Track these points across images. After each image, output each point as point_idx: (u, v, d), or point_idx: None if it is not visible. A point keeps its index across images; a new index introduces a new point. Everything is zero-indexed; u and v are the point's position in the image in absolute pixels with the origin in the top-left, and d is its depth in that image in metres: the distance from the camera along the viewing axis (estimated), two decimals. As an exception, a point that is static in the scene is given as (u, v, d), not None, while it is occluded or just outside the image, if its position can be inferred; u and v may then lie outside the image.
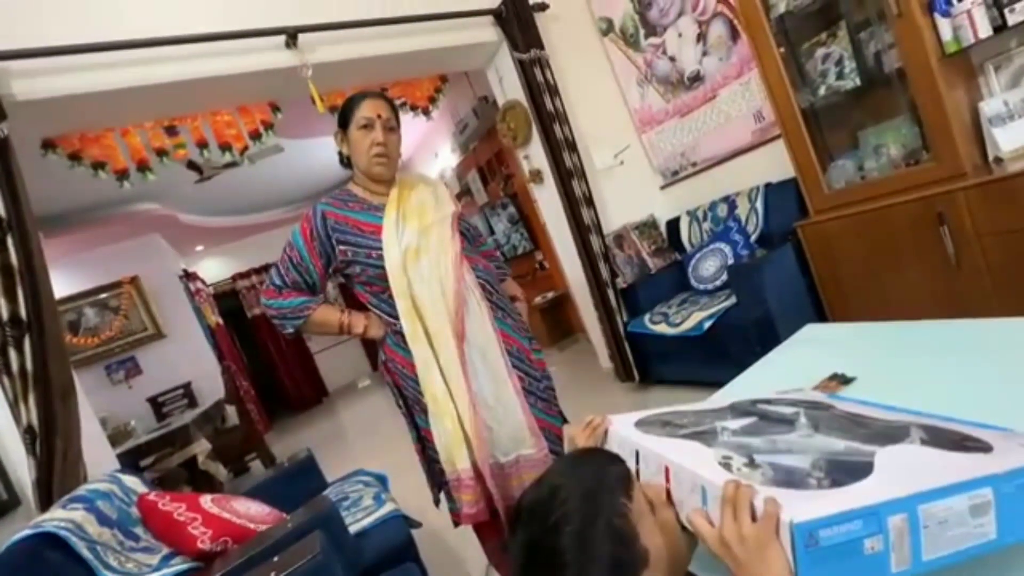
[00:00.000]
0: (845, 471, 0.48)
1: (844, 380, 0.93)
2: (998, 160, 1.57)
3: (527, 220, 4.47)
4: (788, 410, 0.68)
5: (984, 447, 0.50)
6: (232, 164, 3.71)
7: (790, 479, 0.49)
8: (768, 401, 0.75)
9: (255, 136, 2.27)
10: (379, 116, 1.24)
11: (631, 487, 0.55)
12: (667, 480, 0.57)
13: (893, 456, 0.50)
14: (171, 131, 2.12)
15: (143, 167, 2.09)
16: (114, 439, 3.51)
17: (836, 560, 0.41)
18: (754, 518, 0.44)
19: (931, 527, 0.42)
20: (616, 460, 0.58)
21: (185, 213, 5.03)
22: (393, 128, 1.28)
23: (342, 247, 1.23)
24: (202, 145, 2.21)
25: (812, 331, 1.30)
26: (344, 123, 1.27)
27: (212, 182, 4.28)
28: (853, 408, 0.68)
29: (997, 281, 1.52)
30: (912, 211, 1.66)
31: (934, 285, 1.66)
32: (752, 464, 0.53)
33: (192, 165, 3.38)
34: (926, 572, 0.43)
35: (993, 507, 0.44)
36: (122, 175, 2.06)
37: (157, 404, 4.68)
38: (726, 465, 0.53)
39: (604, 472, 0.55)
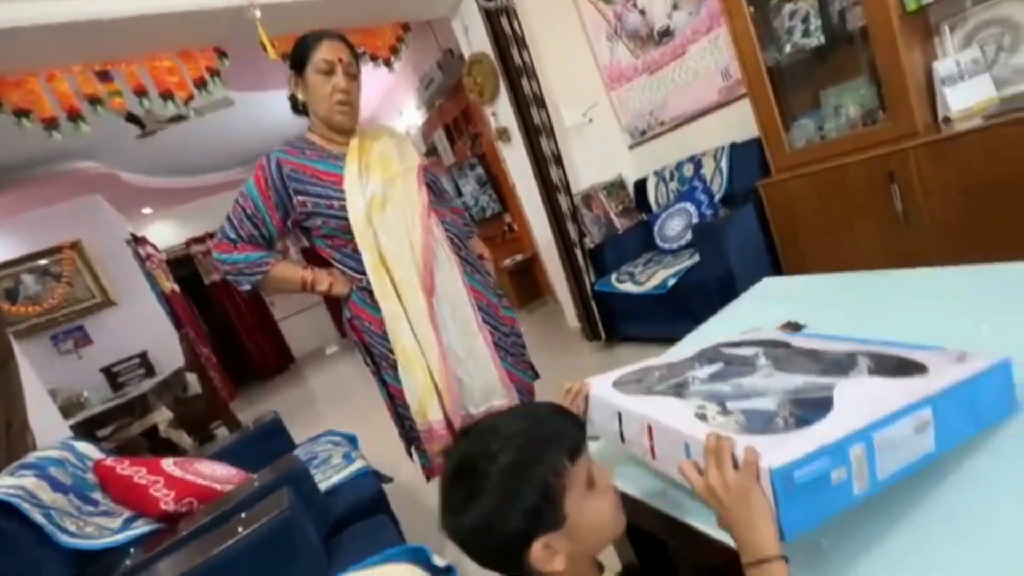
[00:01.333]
0: (807, 407, 0.52)
1: (796, 327, 0.98)
2: (947, 120, 1.63)
3: (496, 181, 4.40)
4: (749, 351, 0.72)
5: (921, 369, 0.55)
6: (178, 118, 3.45)
7: (761, 422, 0.53)
8: (731, 344, 0.78)
9: (200, 85, 2.09)
10: (340, 60, 1.16)
11: (578, 455, 0.55)
12: (650, 438, 0.60)
13: (847, 389, 0.54)
14: (104, 76, 1.92)
15: (74, 116, 1.90)
16: (66, 411, 3.38)
17: (809, 494, 0.45)
18: (736, 466, 0.48)
19: (883, 450, 0.47)
20: (579, 426, 0.59)
21: (128, 172, 4.69)
22: (354, 75, 1.20)
23: (300, 197, 1.17)
24: (141, 93, 2.02)
25: (768, 284, 1.35)
26: (299, 65, 1.17)
27: (156, 138, 3.98)
28: (807, 343, 0.72)
29: (940, 236, 1.61)
30: (866, 170, 1.71)
31: (883, 241, 1.74)
32: (725, 411, 0.57)
33: (132, 118, 3.12)
34: (881, 490, 0.48)
35: (932, 424, 0.49)
36: (50, 125, 1.86)
37: (112, 374, 4.49)
38: (702, 416, 0.57)
39: (558, 429, 0.57)
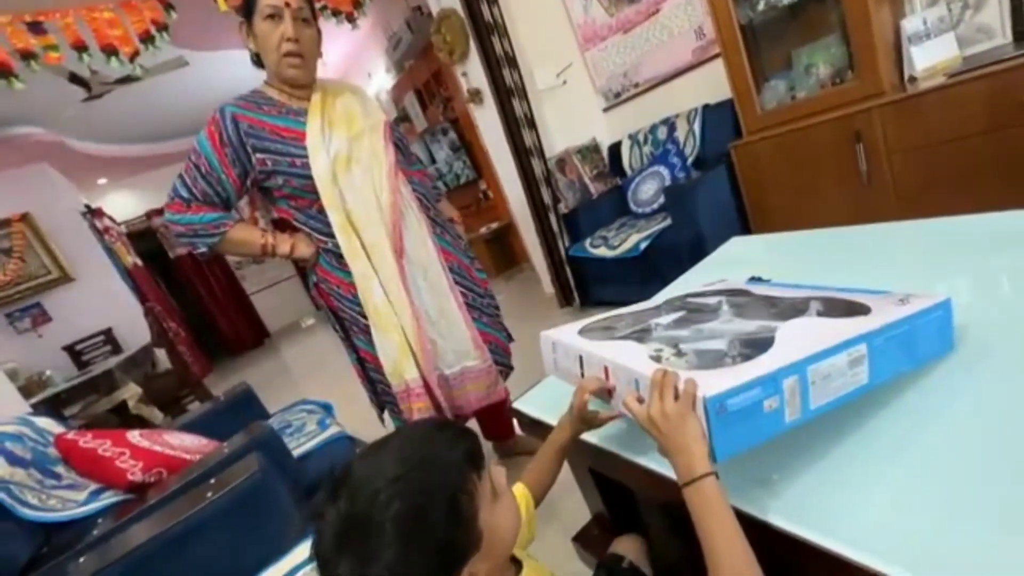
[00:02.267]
0: (754, 346, 0.55)
1: (760, 281, 1.00)
2: (912, 79, 1.65)
3: (470, 147, 4.30)
4: (713, 300, 0.75)
5: (864, 310, 0.58)
6: (127, 79, 3.23)
7: (710, 360, 0.55)
8: (697, 295, 0.81)
9: (146, 39, 1.94)
10: (288, 4, 1.07)
11: (482, 465, 0.51)
12: (607, 377, 0.63)
13: (791, 329, 0.57)
14: (36, 28, 1.76)
15: (5, 72, 1.74)
16: (28, 390, 3.27)
17: (741, 421, 0.48)
18: (677, 398, 0.50)
19: (817, 382, 0.50)
20: (468, 435, 0.53)
21: (76, 139, 4.41)
22: (307, 20, 1.12)
23: (260, 155, 1.11)
24: (80, 48, 1.86)
25: (735, 244, 1.37)
26: (247, 13, 1.09)
27: (106, 102, 3.72)
28: (766, 291, 0.75)
29: (902, 194, 1.65)
30: (833, 130, 1.73)
31: (848, 200, 1.78)
32: (679, 353, 0.59)
33: (76, 79, 2.90)
34: (814, 417, 0.52)
35: (866, 359, 0.52)
36: (-21, 82, 1.72)
37: (75, 352, 4.34)
38: (656, 357, 0.59)
39: (455, 443, 0.50)
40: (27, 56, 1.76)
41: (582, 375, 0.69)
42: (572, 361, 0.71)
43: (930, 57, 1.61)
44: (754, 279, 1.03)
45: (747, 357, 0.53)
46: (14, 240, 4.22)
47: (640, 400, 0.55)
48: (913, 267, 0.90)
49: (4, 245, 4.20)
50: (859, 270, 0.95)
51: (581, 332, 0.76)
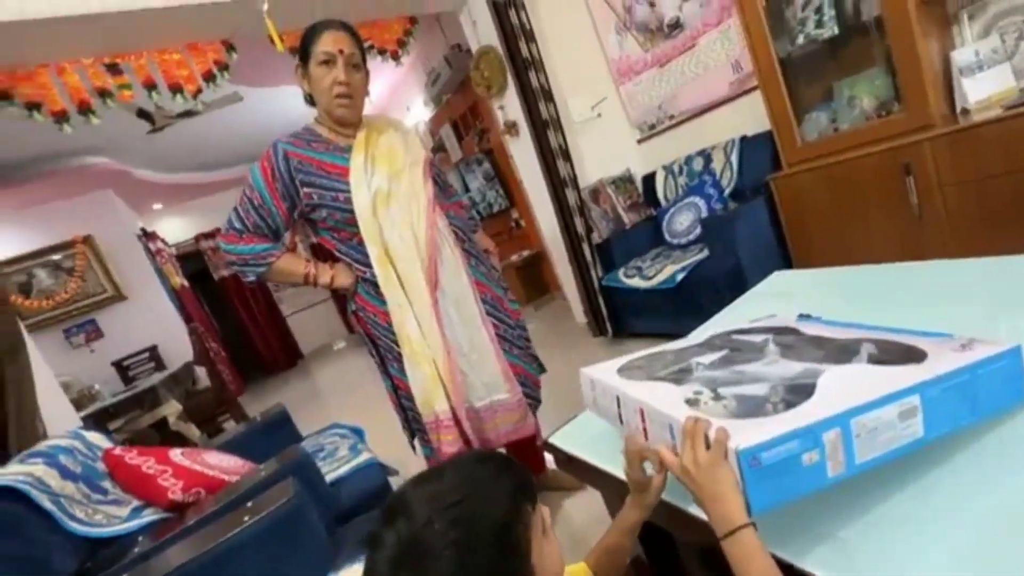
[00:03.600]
0: (798, 393, 0.52)
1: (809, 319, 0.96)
2: (964, 111, 1.60)
3: (503, 177, 4.38)
4: (759, 339, 0.72)
5: (919, 356, 0.54)
6: (187, 113, 3.47)
7: (750, 407, 0.53)
8: (743, 331, 0.78)
9: (208, 78, 2.10)
10: (341, 51, 1.15)
11: (535, 499, 0.51)
12: (643, 420, 0.61)
13: (835, 376, 0.54)
14: (113, 69, 1.93)
15: (85, 109, 1.91)
16: (79, 403, 3.42)
17: (778, 474, 0.46)
18: (709, 447, 0.49)
19: (863, 436, 0.47)
20: (522, 468, 0.53)
21: (138, 168, 4.74)
22: (358, 65, 1.20)
23: (307, 189, 1.17)
24: (150, 86, 2.03)
25: (779, 278, 1.33)
26: (304, 57, 1.17)
27: (166, 134, 4.00)
28: (816, 330, 0.72)
29: (957, 230, 1.57)
30: (880, 162, 1.68)
31: (897, 235, 1.71)
32: (717, 396, 0.57)
33: (143, 113, 3.14)
34: (860, 473, 0.48)
35: (920, 411, 0.49)
36: (61, 117, 1.88)
37: (123, 368, 4.54)
38: (694, 401, 0.57)
39: (510, 475, 0.50)
40: (104, 94, 1.93)
41: (620, 416, 0.68)
42: (610, 400, 0.70)
43: (984, 89, 1.56)
44: (804, 316, 0.99)
45: (790, 404, 0.51)
46: (76, 260, 4.52)
47: (674, 450, 0.53)
48: (976, 308, 0.84)
49: (67, 264, 4.50)
50: (915, 310, 0.90)
51: (621, 370, 0.74)
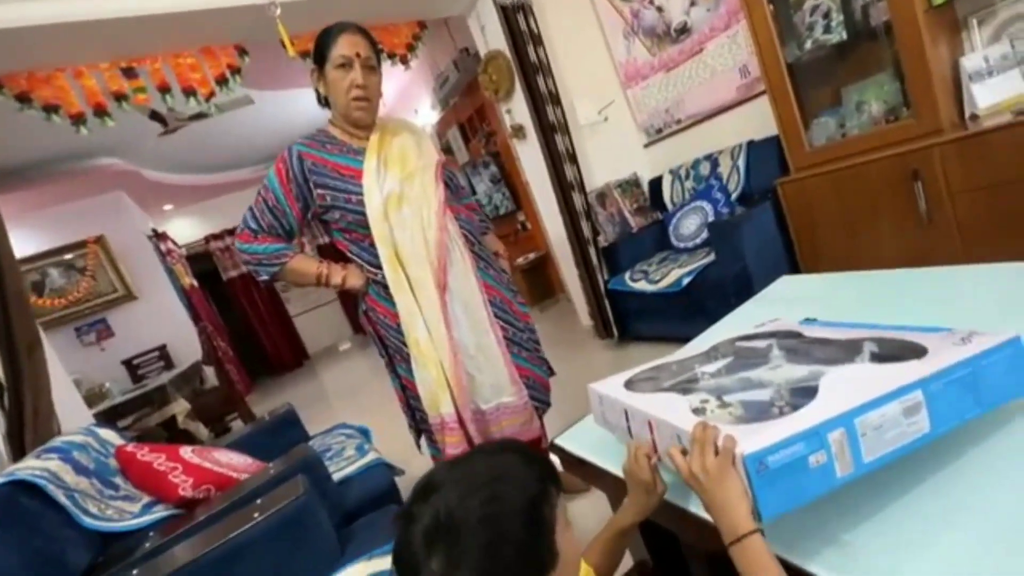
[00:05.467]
0: (803, 396, 0.53)
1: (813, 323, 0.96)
2: (974, 117, 1.59)
3: (509, 180, 4.40)
4: (763, 344, 0.72)
5: (921, 352, 0.55)
6: (199, 116, 3.52)
7: (756, 412, 0.54)
8: (747, 337, 0.79)
9: (221, 82, 2.13)
10: (358, 55, 1.17)
11: (560, 485, 0.53)
12: (651, 432, 0.62)
13: (837, 377, 0.55)
14: (129, 73, 1.97)
15: (100, 112, 1.95)
16: (89, 400, 3.47)
17: (786, 478, 0.46)
18: (718, 453, 0.49)
19: (868, 434, 0.48)
20: (546, 458, 0.56)
21: (150, 169, 4.79)
22: (374, 67, 1.21)
23: (320, 191, 1.19)
24: (164, 90, 2.06)
25: (785, 282, 1.33)
26: (320, 59, 1.19)
27: (178, 136, 4.06)
28: (820, 332, 0.72)
29: (966, 236, 1.57)
30: (888, 168, 1.68)
31: (905, 240, 1.71)
32: (723, 404, 0.58)
33: (156, 116, 3.19)
34: (870, 471, 0.48)
35: (924, 406, 0.49)
36: (78, 120, 1.91)
37: (132, 366, 4.60)
38: (701, 409, 0.58)
39: (536, 462, 0.53)
40: (119, 97, 1.96)
41: (629, 429, 0.68)
42: (618, 415, 0.70)
43: (994, 95, 1.56)
44: (808, 320, 1.00)
45: (796, 407, 0.51)
46: (88, 260, 4.58)
47: (685, 453, 0.54)
48: (985, 314, 0.84)
49: (79, 264, 4.56)
50: (923, 316, 0.88)
51: (628, 384, 0.75)
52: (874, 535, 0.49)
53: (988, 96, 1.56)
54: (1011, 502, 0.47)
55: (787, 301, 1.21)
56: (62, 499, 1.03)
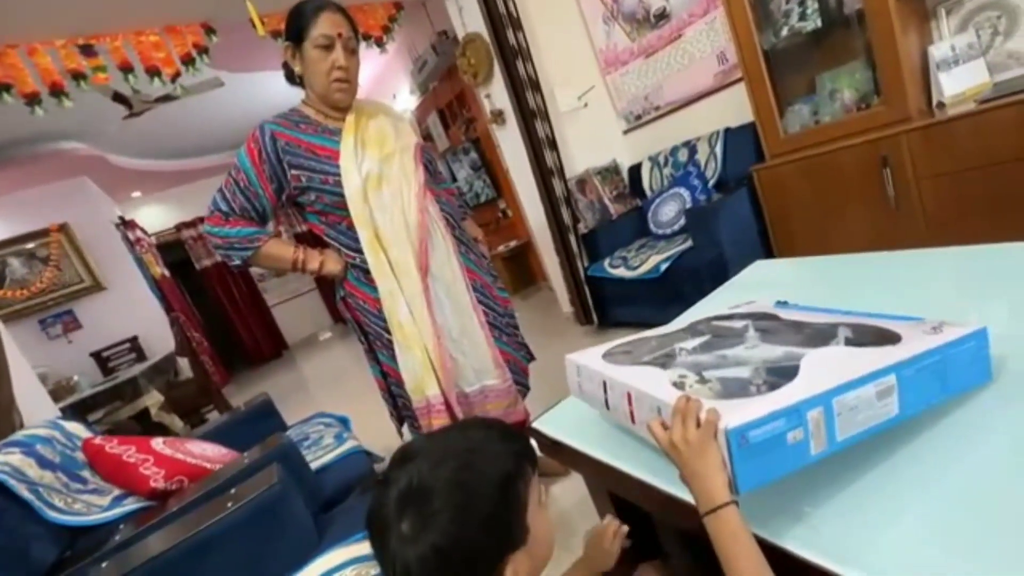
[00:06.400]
0: (780, 375, 0.54)
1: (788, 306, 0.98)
2: (940, 105, 1.63)
3: (490, 167, 4.36)
4: (739, 324, 0.74)
5: (894, 338, 0.57)
6: (166, 98, 3.38)
7: (734, 389, 0.55)
8: (723, 317, 0.80)
9: (187, 61, 2.04)
10: (340, 35, 1.12)
11: (536, 463, 0.54)
12: (630, 404, 0.63)
13: (817, 358, 0.56)
14: (87, 51, 1.87)
15: (57, 91, 1.85)
16: (56, 394, 3.35)
17: (764, 453, 0.48)
18: (699, 426, 0.50)
19: (843, 414, 0.49)
20: (524, 435, 0.58)
21: (116, 154, 4.61)
22: (354, 49, 1.18)
23: (295, 171, 1.15)
24: (126, 69, 1.97)
25: (759, 267, 1.36)
26: (296, 36, 1.14)
27: (144, 119, 3.90)
28: (794, 315, 0.74)
29: (931, 221, 1.62)
30: (859, 155, 1.71)
31: (875, 226, 1.75)
32: (703, 380, 0.59)
33: (119, 97, 3.05)
34: (840, 450, 0.50)
35: (896, 390, 0.51)
36: (32, 100, 1.81)
37: (102, 359, 4.46)
38: (680, 384, 0.59)
39: (514, 437, 0.55)
40: (77, 76, 1.86)
41: (606, 401, 0.69)
42: (596, 386, 0.71)
43: (959, 83, 1.60)
44: (781, 303, 1.02)
45: (773, 386, 0.52)
46: (51, 249, 4.40)
47: (664, 425, 0.55)
48: (947, 295, 0.88)
49: (41, 254, 4.38)
50: (891, 297, 0.93)
51: (605, 356, 0.76)
52: (840, 512, 0.51)
53: (954, 85, 1.60)
54: (963, 481, 0.49)
55: (761, 285, 1.23)
56: (25, 494, 1.00)
